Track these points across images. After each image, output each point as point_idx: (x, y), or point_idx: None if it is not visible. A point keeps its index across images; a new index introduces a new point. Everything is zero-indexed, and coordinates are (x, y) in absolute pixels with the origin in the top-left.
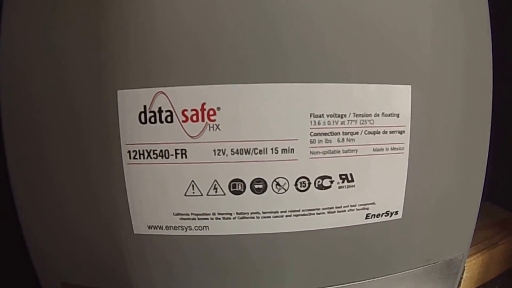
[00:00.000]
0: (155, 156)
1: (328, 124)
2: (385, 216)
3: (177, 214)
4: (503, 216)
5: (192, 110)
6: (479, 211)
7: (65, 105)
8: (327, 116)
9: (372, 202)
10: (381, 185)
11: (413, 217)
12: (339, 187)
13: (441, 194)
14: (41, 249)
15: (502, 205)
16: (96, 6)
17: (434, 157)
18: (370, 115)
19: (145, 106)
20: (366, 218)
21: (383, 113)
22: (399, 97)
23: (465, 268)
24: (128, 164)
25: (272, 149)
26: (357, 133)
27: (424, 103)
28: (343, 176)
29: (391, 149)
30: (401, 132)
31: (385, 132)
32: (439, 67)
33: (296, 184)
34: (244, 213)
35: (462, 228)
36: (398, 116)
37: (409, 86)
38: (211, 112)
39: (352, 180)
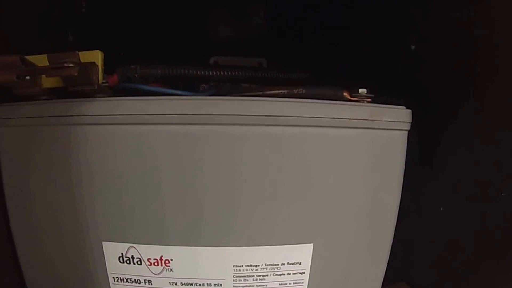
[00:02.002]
0: (130, 282)
1: (246, 271)
2: None
3: None
4: None
5: (154, 259)
6: None
7: (67, 248)
8: (245, 266)
9: None
10: None
11: None
12: None
13: None
14: None
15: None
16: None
17: (331, 283)
18: (278, 264)
19: (122, 253)
20: None
21: (288, 263)
22: (302, 252)
23: None
24: (113, 284)
25: (207, 283)
26: (267, 275)
27: (323, 253)
28: None
29: (293, 283)
30: (301, 273)
31: (288, 274)
32: (340, 226)
33: None
34: None
35: None
36: (300, 264)
37: (311, 244)
38: (167, 261)
39: None
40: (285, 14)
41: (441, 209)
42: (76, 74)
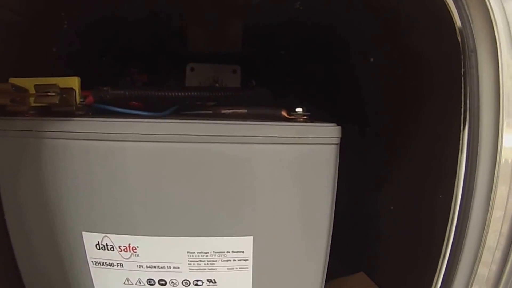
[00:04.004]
0: (106, 264)
1: (198, 257)
2: None
3: None
4: None
5: (123, 246)
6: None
7: (56, 237)
8: (197, 253)
9: None
10: (236, 285)
11: None
12: (207, 285)
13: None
14: None
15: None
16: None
17: (273, 270)
18: (224, 252)
19: (98, 241)
20: None
21: (232, 251)
22: (244, 243)
23: None
24: (92, 267)
25: (167, 266)
26: (216, 260)
27: (263, 245)
28: (209, 280)
29: (239, 268)
30: (245, 260)
31: (234, 260)
32: (275, 223)
33: (182, 283)
34: None
35: None
36: (243, 252)
37: (251, 237)
38: (134, 248)
39: (215, 283)
40: (258, 28)
41: (392, 208)
42: (57, 102)
